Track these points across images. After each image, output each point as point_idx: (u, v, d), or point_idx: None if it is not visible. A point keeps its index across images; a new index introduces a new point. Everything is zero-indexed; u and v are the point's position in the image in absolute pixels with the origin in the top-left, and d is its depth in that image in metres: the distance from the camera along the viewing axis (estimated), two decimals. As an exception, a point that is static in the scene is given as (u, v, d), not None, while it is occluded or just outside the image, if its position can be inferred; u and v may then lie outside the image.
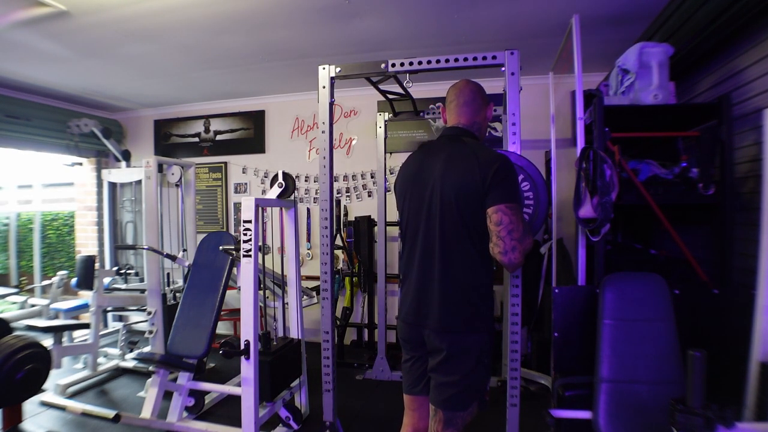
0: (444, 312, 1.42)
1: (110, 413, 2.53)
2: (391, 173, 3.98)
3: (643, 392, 1.56)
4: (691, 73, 2.51)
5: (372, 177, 4.09)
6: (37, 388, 1.98)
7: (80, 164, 4.80)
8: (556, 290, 1.95)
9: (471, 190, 1.38)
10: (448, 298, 1.42)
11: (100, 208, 4.80)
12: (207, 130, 4.64)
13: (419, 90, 3.34)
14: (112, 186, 4.68)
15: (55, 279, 4.23)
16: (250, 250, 2.04)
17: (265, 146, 4.46)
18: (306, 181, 4.29)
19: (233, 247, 2.44)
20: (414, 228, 1.52)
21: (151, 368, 2.77)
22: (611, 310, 1.67)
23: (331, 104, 2.16)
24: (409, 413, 1.61)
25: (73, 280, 3.63)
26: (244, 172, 4.52)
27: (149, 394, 2.64)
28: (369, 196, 4.11)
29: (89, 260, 3.45)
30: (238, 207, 4.54)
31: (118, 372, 3.42)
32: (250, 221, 2.04)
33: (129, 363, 3.41)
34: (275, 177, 2.40)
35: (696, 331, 1.78)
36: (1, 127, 3.73)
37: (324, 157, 2.15)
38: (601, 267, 2.01)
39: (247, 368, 2.02)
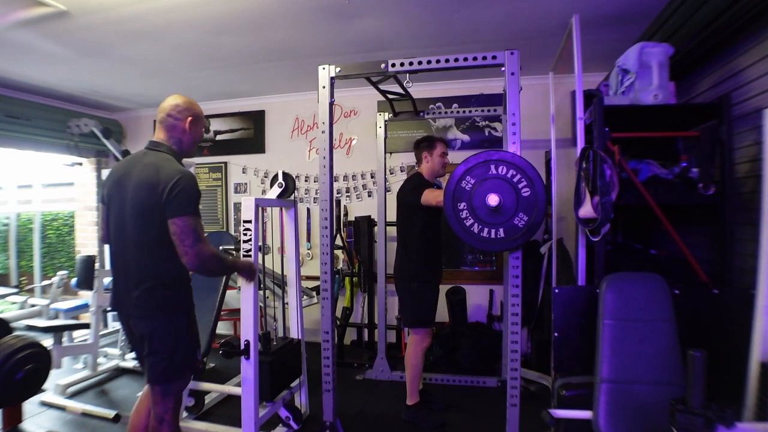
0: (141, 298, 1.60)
1: (110, 413, 2.53)
2: (391, 173, 3.98)
3: (644, 392, 1.56)
4: (691, 73, 2.51)
5: (372, 177, 4.09)
6: (37, 388, 1.99)
7: (80, 164, 4.80)
8: (556, 290, 1.94)
9: (152, 200, 1.55)
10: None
11: (100, 208, 4.79)
12: (207, 130, 4.62)
13: (419, 90, 3.34)
14: (112, 186, 4.67)
15: (55, 279, 4.24)
16: (250, 250, 2.04)
17: (265, 146, 4.46)
18: (306, 181, 4.29)
19: (233, 247, 2.44)
20: (117, 229, 1.64)
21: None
22: (611, 310, 1.67)
23: (331, 104, 2.16)
24: None
25: (73, 280, 3.63)
26: (244, 172, 4.52)
27: (149, 394, 2.64)
28: (369, 196, 4.11)
29: (89, 260, 3.45)
30: (238, 207, 4.53)
31: (118, 372, 3.42)
32: (250, 221, 2.04)
33: (129, 363, 3.40)
34: (275, 177, 2.40)
35: (696, 331, 1.78)
36: (1, 127, 3.73)
37: (324, 157, 2.15)
38: (601, 267, 2.01)
39: (247, 368, 2.02)
